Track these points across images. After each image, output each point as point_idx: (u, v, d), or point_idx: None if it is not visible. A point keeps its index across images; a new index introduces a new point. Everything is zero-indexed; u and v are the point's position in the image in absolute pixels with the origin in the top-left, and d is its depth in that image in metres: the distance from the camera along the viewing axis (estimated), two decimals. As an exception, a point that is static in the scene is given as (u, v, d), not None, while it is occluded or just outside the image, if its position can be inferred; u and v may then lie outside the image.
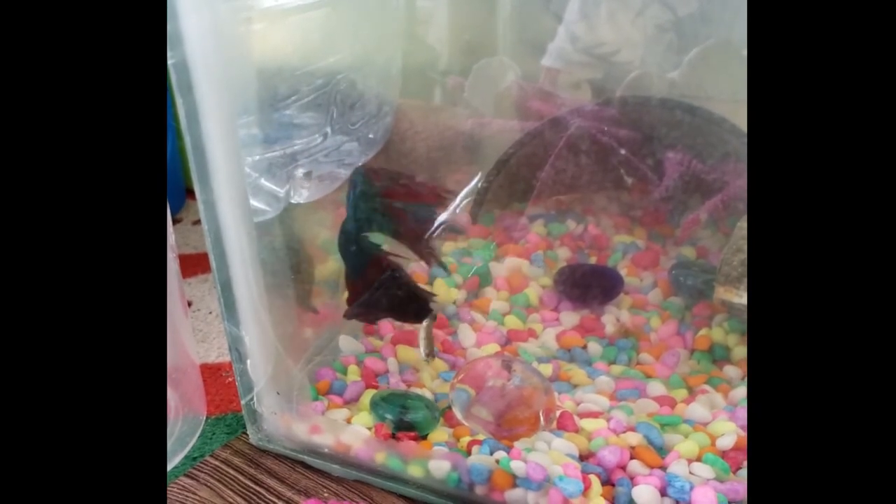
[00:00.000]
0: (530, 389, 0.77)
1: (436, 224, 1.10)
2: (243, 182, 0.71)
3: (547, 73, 1.14)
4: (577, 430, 0.75)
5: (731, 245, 0.89)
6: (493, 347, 0.86)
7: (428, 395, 0.80)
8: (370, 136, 1.02)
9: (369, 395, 0.80)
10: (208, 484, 0.77)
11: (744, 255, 0.86)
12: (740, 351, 0.86)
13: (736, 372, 0.84)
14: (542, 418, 0.75)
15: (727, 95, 1.15)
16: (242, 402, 0.79)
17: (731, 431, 0.73)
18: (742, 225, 0.90)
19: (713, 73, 1.11)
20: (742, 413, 0.75)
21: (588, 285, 0.94)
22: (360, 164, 0.96)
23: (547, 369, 0.84)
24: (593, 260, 1.01)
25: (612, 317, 0.92)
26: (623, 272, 0.98)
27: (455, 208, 1.12)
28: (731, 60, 1.10)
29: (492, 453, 0.73)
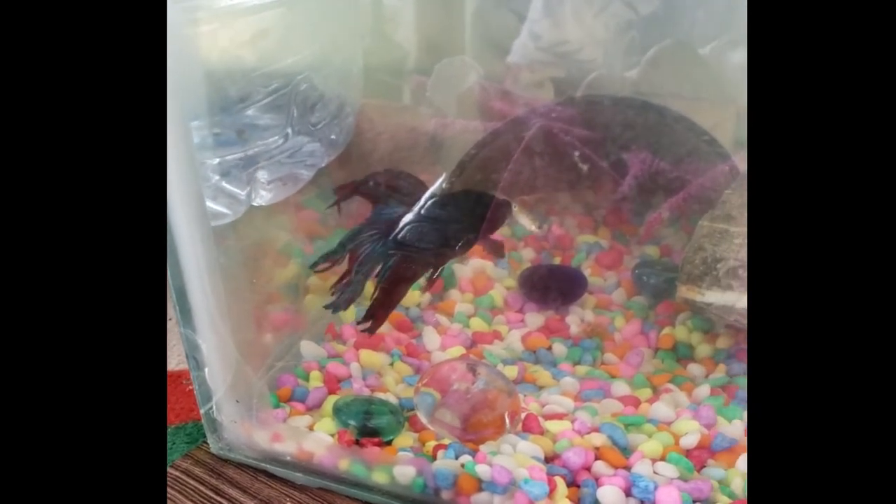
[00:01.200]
0: (495, 392, 0.79)
1: (401, 224, 1.12)
2: (198, 185, 0.72)
3: (510, 72, 1.16)
4: (542, 433, 0.76)
5: (692, 244, 0.92)
6: (458, 350, 0.87)
7: (392, 399, 0.81)
8: (332, 137, 1.03)
9: (332, 401, 0.81)
10: (169, 496, 0.77)
11: (705, 254, 0.89)
12: (704, 349, 0.89)
13: (699, 370, 0.86)
14: (507, 421, 0.77)
15: (687, 93, 1.18)
16: (202, 411, 0.80)
17: (694, 430, 0.75)
18: (703, 223, 0.93)
19: (672, 71, 1.14)
20: (705, 411, 0.77)
21: (552, 286, 0.96)
22: (322, 164, 0.97)
23: (512, 371, 0.85)
24: (557, 260, 1.03)
25: (577, 317, 0.94)
26: (587, 272, 1.00)
27: (420, 209, 1.14)
28: (688, 59, 1.13)
29: (457, 457, 0.74)
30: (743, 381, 0.84)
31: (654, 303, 0.95)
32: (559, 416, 0.78)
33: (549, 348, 0.89)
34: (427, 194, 1.14)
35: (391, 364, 0.86)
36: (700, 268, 0.88)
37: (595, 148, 1.09)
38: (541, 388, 0.84)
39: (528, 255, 1.02)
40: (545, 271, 0.98)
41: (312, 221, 1.02)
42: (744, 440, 0.75)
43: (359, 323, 0.83)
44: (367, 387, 0.83)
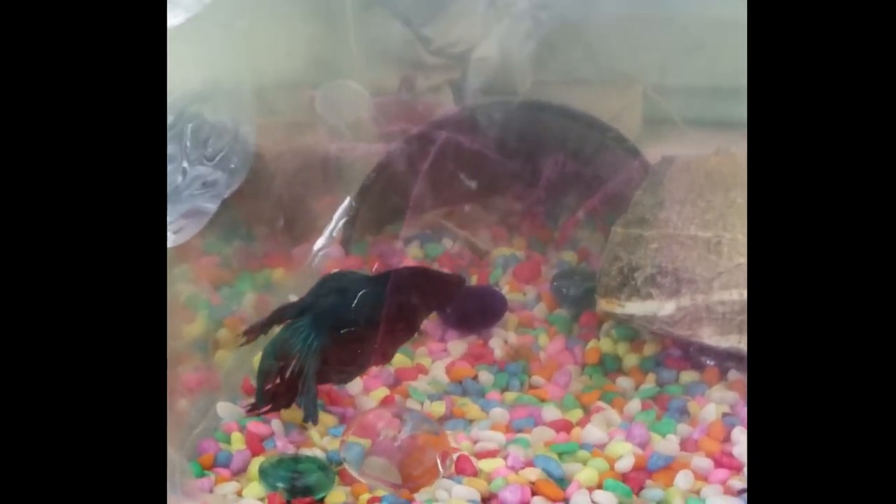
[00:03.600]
0: (423, 437, 0.82)
1: (314, 250, 1.13)
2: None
3: (404, 80, 1.18)
4: (475, 473, 0.80)
5: (607, 253, 0.96)
6: (381, 392, 0.90)
7: (319, 454, 0.84)
8: (232, 165, 1.04)
9: (257, 463, 0.83)
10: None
11: (621, 263, 0.93)
12: (631, 359, 0.94)
13: (628, 382, 0.91)
14: (439, 465, 0.81)
15: (592, 76, 1.22)
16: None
17: (628, 452, 0.80)
18: (617, 229, 0.97)
19: (570, 54, 1.18)
20: (637, 430, 0.82)
21: (471, 310, 0.99)
22: (226, 195, 0.98)
23: (440, 408, 0.89)
24: (474, 279, 1.06)
25: (500, 339, 0.97)
26: (505, 288, 1.04)
27: (331, 231, 1.16)
28: (584, 40, 1.16)
29: (393, 511, 0.78)
30: (673, 389, 0.89)
31: (576, 314, 1.00)
32: (491, 454, 0.82)
33: (475, 377, 0.93)
34: (336, 216, 1.16)
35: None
36: (617, 279, 0.93)
37: (504, 153, 1.12)
38: (471, 421, 0.87)
39: (444, 278, 1.06)
40: (468, 293, 1.01)
41: (214, 267, 1.04)
42: (681, 455, 0.81)
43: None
44: (291, 443, 0.86)
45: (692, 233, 0.94)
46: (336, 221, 1.16)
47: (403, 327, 0.86)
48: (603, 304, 0.92)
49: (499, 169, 1.14)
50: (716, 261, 0.91)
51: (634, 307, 0.91)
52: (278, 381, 0.85)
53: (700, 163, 1.03)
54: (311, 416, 0.84)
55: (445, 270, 0.99)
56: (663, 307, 0.90)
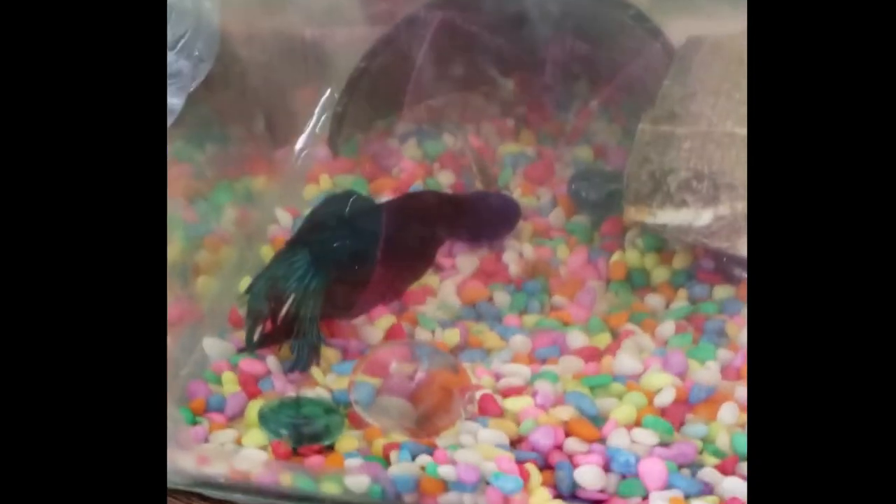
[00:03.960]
0: (440, 373, 0.75)
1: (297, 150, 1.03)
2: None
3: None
4: (501, 414, 0.73)
5: (635, 154, 0.87)
6: (388, 320, 0.82)
7: (324, 395, 0.76)
8: (196, 52, 0.93)
9: (255, 407, 0.76)
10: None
11: (652, 166, 0.84)
12: (660, 273, 0.85)
13: (659, 301, 0.83)
14: (460, 404, 0.73)
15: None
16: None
17: (667, 385, 0.73)
18: (644, 126, 0.87)
19: None
20: (675, 358, 0.75)
21: (482, 220, 0.90)
22: (191, 88, 0.87)
23: (454, 336, 0.81)
24: (478, 184, 0.97)
25: (515, 253, 0.89)
26: (517, 191, 0.95)
27: (314, 128, 1.05)
28: None
29: (414, 458, 0.71)
30: (708, 308, 0.82)
31: (598, 222, 0.91)
32: (517, 391, 0.74)
33: (490, 299, 0.84)
34: (318, 109, 1.05)
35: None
36: (648, 184, 0.84)
37: (508, 35, 1.01)
38: (489, 351, 0.80)
39: (447, 180, 0.96)
40: (471, 202, 0.92)
41: (186, 177, 0.93)
42: (722, 385, 0.74)
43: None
44: (291, 382, 0.78)
45: (729, 129, 0.85)
46: (318, 116, 1.05)
47: (416, 261, 0.77)
48: (632, 213, 0.83)
49: (501, 53, 1.03)
50: (755, 162, 0.82)
51: (667, 216, 0.82)
52: (270, 324, 0.76)
53: (732, 45, 0.93)
54: (301, 364, 0.76)
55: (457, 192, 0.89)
56: (700, 216, 0.81)
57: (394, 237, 0.77)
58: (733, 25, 0.96)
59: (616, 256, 0.87)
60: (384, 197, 0.92)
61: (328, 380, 0.78)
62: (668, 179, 0.83)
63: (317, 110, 1.06)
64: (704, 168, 0.82)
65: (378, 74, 0.97)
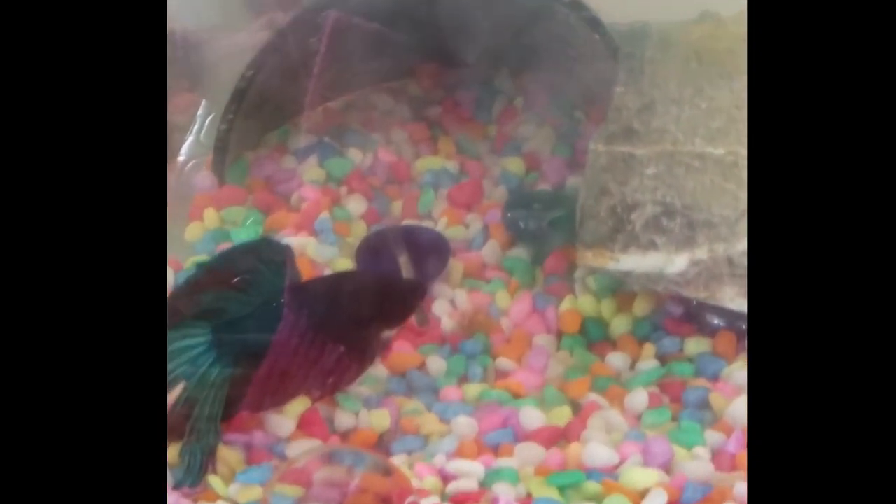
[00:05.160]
0: (373, 479, 0.59)
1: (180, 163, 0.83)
2: None
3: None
4: (455, 530, 0.58)
5: (590, 181, 0.72)
6: (301, 403, 0.65)
7: (225, 511, 0.60)
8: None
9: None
10: None
11: (612, 200, 0.70)
12: (620, 323, 0.72)
13: (622, 360, 0.70)
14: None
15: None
16: None
17: (653, 484, 0.59)
18: (598, 148, 0.73)
19: None
20: (658, 446, 0.61)
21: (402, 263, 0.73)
22: None
23: (383, 419, 0.65)
24: (398, 205, 0.80)
25: (445, 302, 0.73)
26: (442, 221, 0.78)
27: (199, 135, 0.86)
28: None
29: None
30: (682, 369, 0.68)
31: (539, 256, 0.76)
32: (473, 499, 0.59)
33: (423, 365, 0.69)
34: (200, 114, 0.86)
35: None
36: (608, 222, 0.69)
37: (410, 28, 0.84)
38: (428, 438, 0.64)
39: (357, 209, 0.79)
40: (393, 236, 0.75)
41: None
42: (717, 478, 0.61)
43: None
44: (184, 497, 0.60)
45: (699, 150, 0.71)
46: (202, 121, 0.86)
47: (351, 354, 0.60)
48: (589, 258, 0.69)
49: (406, 46, 0.86)
50: (735, 191, 0.68)
51: (633, 261, 0.68)
52: None
53: (684, 37, 0.79)
54: (192, 477, 0.58)
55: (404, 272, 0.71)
56: (672, 261, 0.67)
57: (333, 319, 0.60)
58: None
59: (567, 303, 0.73)
60: (284, 236, 0.75)
61: (232, 491, 0.60)
62: (632, 216, 0.68)
63: (199, 113, 0.87)
64: (675, 201, 0.69)
65: (267, 82, 0.78)
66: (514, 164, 0.84)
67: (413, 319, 0.71)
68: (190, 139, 0.85)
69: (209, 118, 0.86)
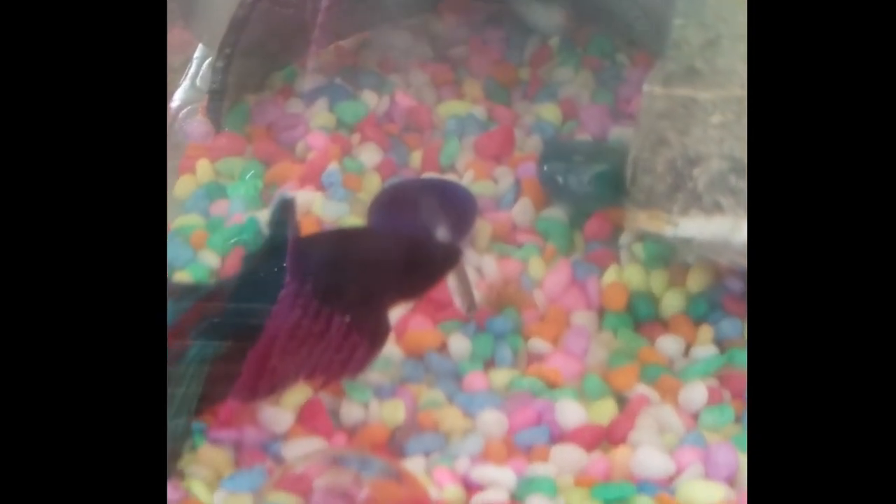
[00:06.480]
0: (384, 487, 0.49)
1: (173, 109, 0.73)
2: None
3: None
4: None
5: (643, 131, 0.61)
6: (301, 393, 0.55)
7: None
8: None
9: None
10: None
11: (671, 152, 0.58)
12: (672, 299, 0.61)
13: (674, 345, 0.59)
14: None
15: None
16: None
17: (719, 500, 0.49)
18: (653, 89, 0.62)
19: None
20: (723, 455, 0.51)
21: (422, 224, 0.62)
22: None
23: (397, 411, 0.55)
24: (417, 156, 0.69)
25: (471, 270, 0.62)
26: (468, 175, 0.67)
27: (194, 78, 0.75)
28: None
29: None
30: (743, 357, 0.57)
31: (579, 218, 0.65)
32: (503, 513, 0.49)
33: (444, 347, 0.58)
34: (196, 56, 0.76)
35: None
36: (665, 178, 0.58)
37: None
38: (449, 436, 0.54)
39: (371, 160, 0.68)
40: (412, 190, 0.64)
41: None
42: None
43: None
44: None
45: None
46: (198, 64, 0.75)
47: (362, 330, 0.50)
48: (642, 220, 0.58)
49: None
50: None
51: (695, 226, 0.57)
52: None
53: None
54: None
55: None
56: (740, 228, 0.56)
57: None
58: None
59: (611, 275, 0.62)
60: (287, 188, 0.64)
61: (217, 500, 0.51)
62: (693, 172, 0.57)
63: (196, 56, 0.76)
64: (745, 155, 0.56)
65: (270, 12, 0.66)
66: (550, 112, 0.72)
67: (445, 291, 0.59)
68: (185, 83, 0.74)
69: (206, 62, 0.75)
